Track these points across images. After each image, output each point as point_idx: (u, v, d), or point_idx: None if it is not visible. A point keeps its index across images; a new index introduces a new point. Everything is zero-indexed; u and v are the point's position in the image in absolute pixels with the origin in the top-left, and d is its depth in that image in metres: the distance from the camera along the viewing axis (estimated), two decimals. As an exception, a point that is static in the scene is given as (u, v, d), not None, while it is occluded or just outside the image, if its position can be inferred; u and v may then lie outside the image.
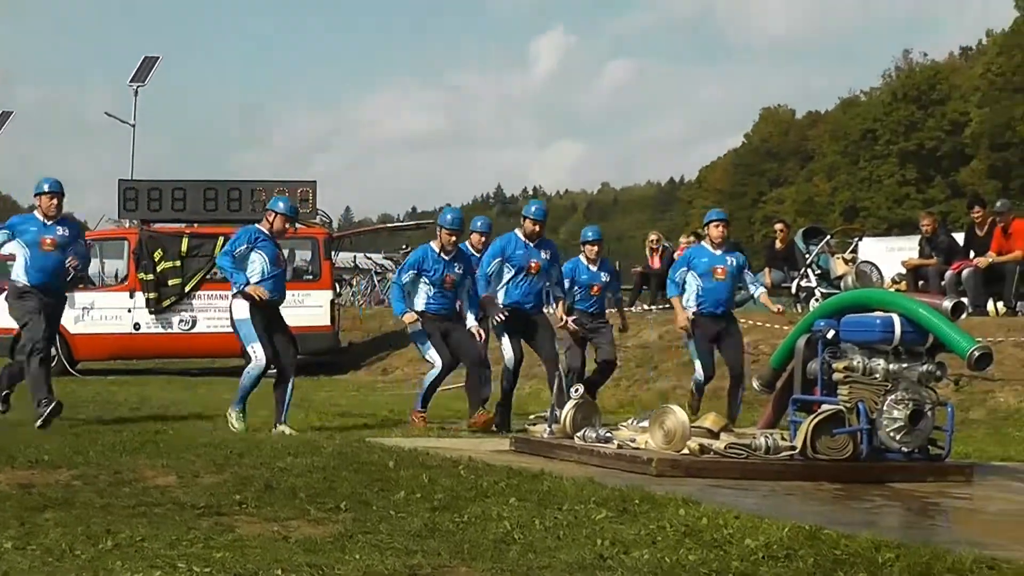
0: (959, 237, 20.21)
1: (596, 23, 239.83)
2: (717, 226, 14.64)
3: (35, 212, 13.34)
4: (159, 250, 23.40)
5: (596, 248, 15.12)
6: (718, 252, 14.54)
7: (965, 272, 18.09)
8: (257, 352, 12.69)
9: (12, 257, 13.21)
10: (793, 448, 10.27)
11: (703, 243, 15.05)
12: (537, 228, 14.01)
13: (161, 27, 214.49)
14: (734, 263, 14.53)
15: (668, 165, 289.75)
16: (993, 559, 6.04)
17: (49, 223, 13.06)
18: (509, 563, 5.87)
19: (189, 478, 8.39)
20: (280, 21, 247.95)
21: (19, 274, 12.95)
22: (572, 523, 6.92)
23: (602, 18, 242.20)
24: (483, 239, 14.84)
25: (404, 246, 37.21)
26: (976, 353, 9.90)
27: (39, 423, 12.16)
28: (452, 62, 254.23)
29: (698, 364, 14.36)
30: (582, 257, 15.19)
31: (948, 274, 18.46)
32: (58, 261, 13.01)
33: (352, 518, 7.06)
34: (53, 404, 12.39)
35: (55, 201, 13.14)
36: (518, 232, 14.06)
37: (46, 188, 13.18)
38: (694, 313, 14.32)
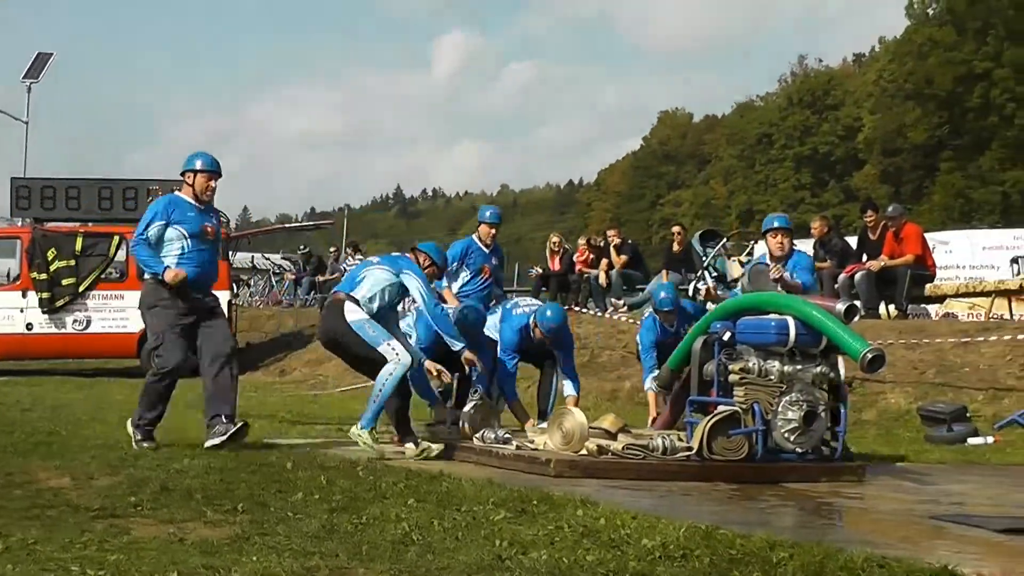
0: (852, 240, 20.46)
1: (497, 24, 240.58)
2: (775, 235, 12.42)
3: (179, 194, 11.10)
4: (52, 249, 23.08)
5: None
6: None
7: (858, 275, 18.31)
8: (397, 348, 10.71)
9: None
10: (690, 449, 10.36)
11: (765, 256, 13.01)
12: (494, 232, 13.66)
13: (56, 24, 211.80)
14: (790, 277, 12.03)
15: (567, 167, 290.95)
16: (884, 558, 6.12)
17: (203, 208, 10.98)
18: (408, 564, 5.86)
19: (83, 480, 8.28)
20: (178, 19, 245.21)
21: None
22: (471, 524, 6.91)
23: (503, 20, 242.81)
24: (492, 231, 13.76)
25: (302, 246, 37.06)
26: (869, 355, 10.04)
27: (214, 442, 10.21)
28: (351, 61, 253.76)
29: None
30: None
31: (841, 277, 18.67)
32: (213, 255, 11.07)
33: (249, 520, 7.00)
34: (241, 424, 10.53)
35: (213, 183, 11.03)
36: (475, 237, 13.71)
37: (199, 165, 10.97)
38: None
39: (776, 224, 12.43)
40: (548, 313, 12.41)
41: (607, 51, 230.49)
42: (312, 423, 14.37)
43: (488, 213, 13.93)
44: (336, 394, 19.79)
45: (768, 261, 12.26)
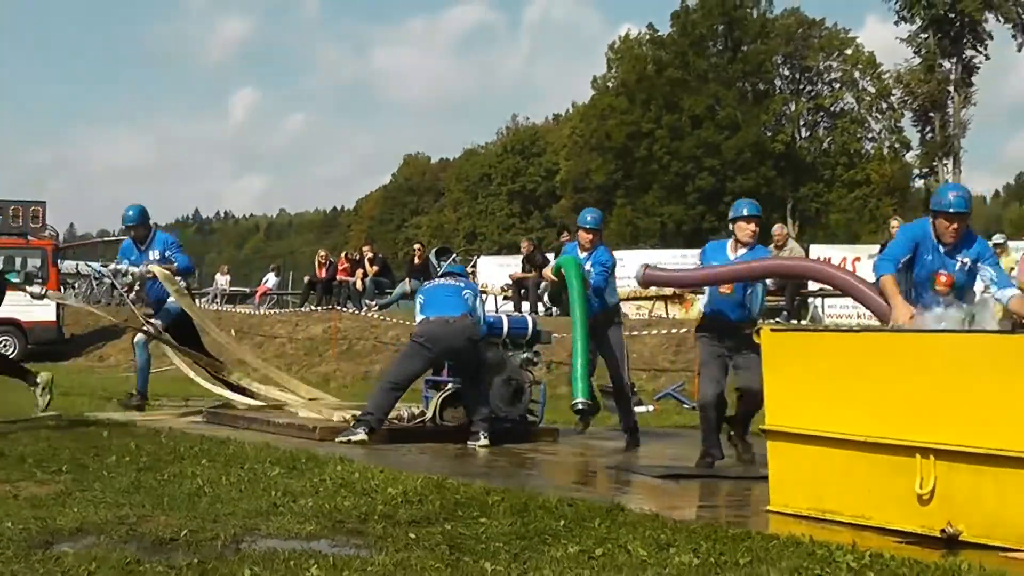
0: (552, 256, 20.82)
1: (280, 83, 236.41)
2: (747, 223, 8.92)
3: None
4: None
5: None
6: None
7: (555, 283, 18.62)
8: None
9: None
10: (425, 415, 10.39)
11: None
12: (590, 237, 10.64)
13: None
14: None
15: (332, 196, 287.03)
16: (572, 499, 6.25)
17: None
18: (200, 512, 5.72)
19: (-69, 448, 7.84)
20: (10, 60, 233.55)
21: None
22: (252, 479, 6.80)
23: (285, 79, 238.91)
24: (589, 236, 10.64)
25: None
26: (579, 404, 9.84)
27: None
28: (163, 108, 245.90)
29: None
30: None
31: (542, 285, 19.02)
32: None
33: (72, 479, 6.74)
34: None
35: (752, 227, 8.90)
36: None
37: (745, 212, 8.97)
38: None
39: (745, 212, 9.02)
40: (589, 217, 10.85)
41: (364, 105, 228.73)
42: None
43: (589, 218, 10.86)
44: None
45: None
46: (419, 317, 10.05)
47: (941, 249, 7.29)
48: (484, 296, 14.80)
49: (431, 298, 10.13)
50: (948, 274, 7.20)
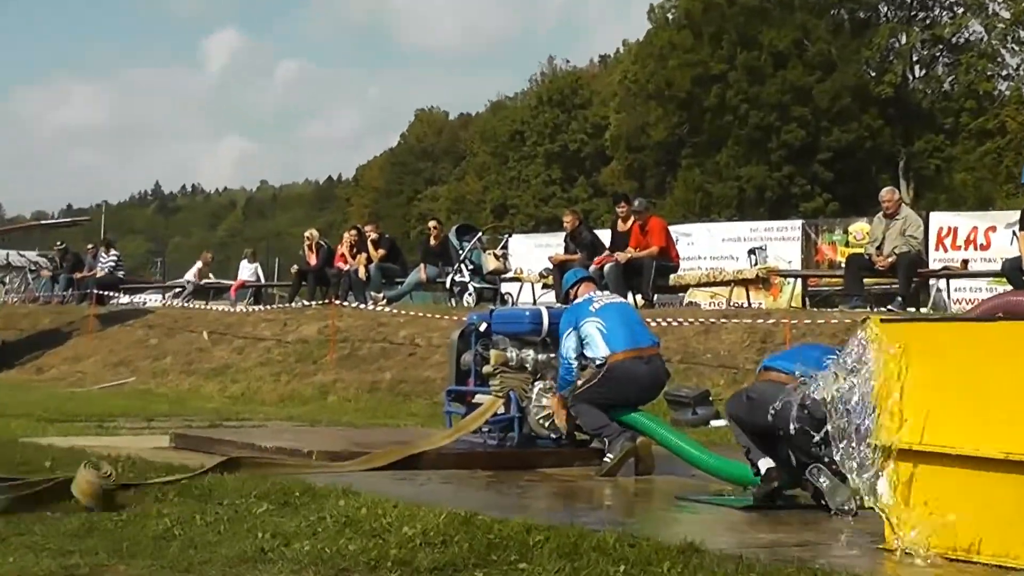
0: (604, 234, 20.70)
1: (268, 24, 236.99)
2: None
3: None
4: None
5: None
6: None
7: (607, 267, 18.55)
8: None
9: None
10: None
11: None
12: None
13: None
14: None
15: (328, 163, 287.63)
16: (634, 537, 6.20)
17: None
18: (169, 559, 5.72)
19: None
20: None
21: None
22: (233, 517, 6.80)
23: (275, 19, 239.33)
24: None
25: (59, 243, 36.12)
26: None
27: None
28: (120, 58, 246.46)
29: None
30: None
31: (592, 269, 18.93)
32: None
33: (4, 521, 6.74)
34: None
35: None
36: None
37: None
38: None
39: None
40: None
41: (372, 52, 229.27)
42: (71, 420, 13.92)
43: None
44: (95, 391, 19.30)
45: None
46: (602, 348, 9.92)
47: None
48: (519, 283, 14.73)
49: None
50: None
